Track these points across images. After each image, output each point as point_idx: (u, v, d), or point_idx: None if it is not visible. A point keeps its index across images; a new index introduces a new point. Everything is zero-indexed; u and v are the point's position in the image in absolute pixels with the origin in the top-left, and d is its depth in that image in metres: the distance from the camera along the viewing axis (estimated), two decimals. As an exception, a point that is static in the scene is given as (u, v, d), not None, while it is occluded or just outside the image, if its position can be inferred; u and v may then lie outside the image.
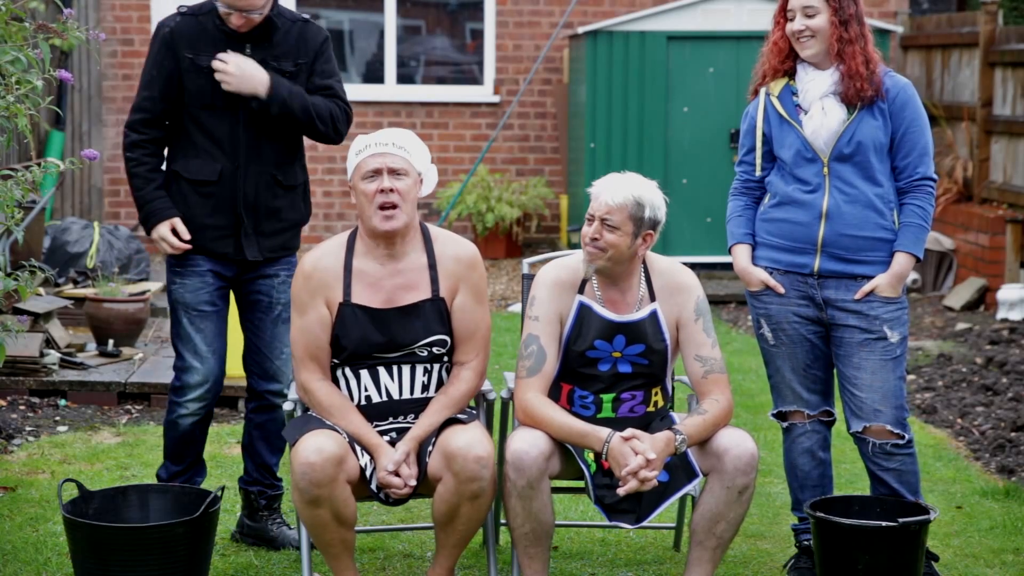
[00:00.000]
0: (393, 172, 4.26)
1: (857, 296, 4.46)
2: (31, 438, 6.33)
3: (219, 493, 4.27)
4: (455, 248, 4.38)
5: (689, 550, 4.27)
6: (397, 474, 4.16)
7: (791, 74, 4.55)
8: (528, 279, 4.63)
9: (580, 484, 4.30)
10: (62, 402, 6.87)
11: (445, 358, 4.36)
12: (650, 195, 4.26)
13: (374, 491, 4.20)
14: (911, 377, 7.75)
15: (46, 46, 4.44)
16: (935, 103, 10.93)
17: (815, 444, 4.61)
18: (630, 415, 4.30)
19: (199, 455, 4.90)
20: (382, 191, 4.24)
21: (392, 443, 4.23)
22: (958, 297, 9.80)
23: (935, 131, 10.18)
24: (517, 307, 9.73)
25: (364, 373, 4.30)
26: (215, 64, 4.60)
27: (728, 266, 9.99)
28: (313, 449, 4.04)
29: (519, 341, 4.38)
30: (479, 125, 12.05)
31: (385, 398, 4.30)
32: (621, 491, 4.08)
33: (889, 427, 4.47)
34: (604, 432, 4.13)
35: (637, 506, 4.15)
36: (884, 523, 4.25)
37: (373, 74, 12.24)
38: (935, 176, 4.52)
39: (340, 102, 4.76)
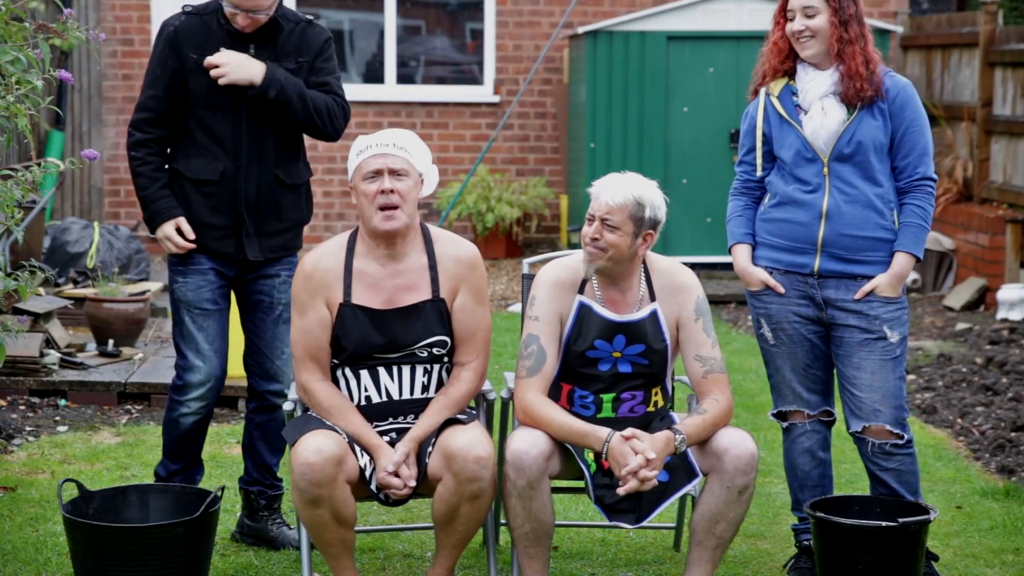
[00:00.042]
0: (394, 173, 4.26)
1: (857, 296, 4.46)
2: (31, 438, 6.33)
3: (219, 493, 4.27)
4: (455, 249, 4.38)
5: (689, 550, 4.27)
6: (397, 475, 4.16)
7: (791, 74, 4.55)
8: (528, 279, 4.63)
9: (580, 484, 4.31)
10: (62, 402, 6.87)
11: (445, 359, 4.35)
12: (650, 195, 4.26)
13: (374, 491, 4.20)
14: (911, 377, 7.75)
15: (46, 46, 4.44)
16: (935, 103, 10.94)
17: (815, 444, 4.61)
18: (630, 415, 4.30)
19: (198, 454, 4.91)
20: (383, 192, 4.24)
21: (392, 443, 4.23)
22: (958, 297, 9.80)
23: (935, 131, 10.18)
24: (517, 307, 9.73)
25: (364, 373, 4.30)
26: (208, 61, 4.59)
27: (728, 266, 9.99)
28: (312, 449, 4.04)
29: (519, 341, 4.38)
30: (479, 125, 12.05)
31: (385, 398, 4.30)
32: (621, 491, 4.08)
33: (888, 427, 4.47)
34: (604, 432, 4.13)
35: (637, 506, 4.15)
36: (884, 523, 4.25)
37: (373, 74, 12.24)
38: (935, 176, 4.52)
39: (337, 98, 4.76)
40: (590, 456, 4.18)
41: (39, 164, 4.61)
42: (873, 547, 4.24)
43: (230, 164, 4.69)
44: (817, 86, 4.47)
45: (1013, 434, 6.39)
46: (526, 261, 4.81)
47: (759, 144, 4.58)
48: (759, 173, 4.61)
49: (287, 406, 4.40)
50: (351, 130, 11.58)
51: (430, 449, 4.18)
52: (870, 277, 4.47)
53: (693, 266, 4.78)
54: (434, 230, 4.41)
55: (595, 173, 9.09)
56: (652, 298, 4.33)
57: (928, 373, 7.80)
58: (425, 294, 4.31)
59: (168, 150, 4.77)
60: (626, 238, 4.23)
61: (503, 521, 4.39)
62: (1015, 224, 9.48)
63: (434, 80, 12.29)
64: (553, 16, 11.96)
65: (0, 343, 4.60)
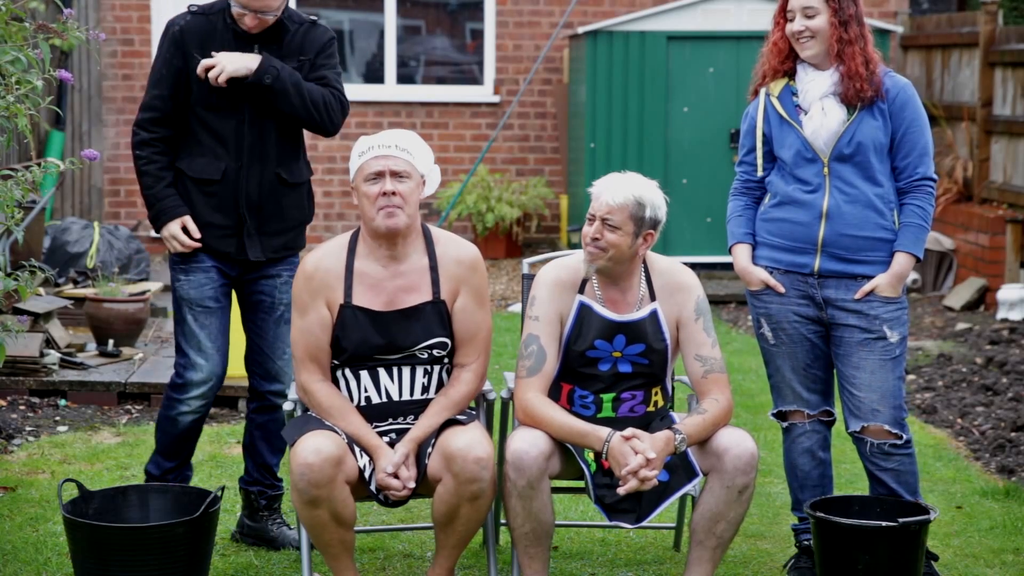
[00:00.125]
0: (396, 175, 4.26)
1: (857, 296, 4.46)
2: (31, 438, 6.33)
3: (219, 493, 4.27)
4: (456, 250, 4.38)
5: (689, 550, 4.27)
6: (396, 476, 4.16)
7: (791, 74, 4.55)
8: (528, 279, 4.63)
9: (580, 484, 4.31)
10: (62, 402, 6.87)
11: (445, 360, 4.35)
12: (651, 195, 4.26)
13: (373, 492, 4.20)
14: (911, 377, 7.75)
15: (46, 46, 4.44)
16: (935, 103, 10.94)
17: (815, 444, 4.61)
18: (630, 415, 4.30)
19: (192, 452, 4.91)
20: (384, 194, 4.23)
21: (391, 444, 4.23)
22: (958, 297, 9.80)
23: (935, 131, 10.18)
24: (517, 307, 9.73)
25: (364, 374, 4.30)
26: (201, 66, 4.58)
27: (728, 266, 9.99)
28: (312, 450, 4.04)
29: (519, 341, 4.38)
30: (479, 125, 12.05)
31: (385, 399, 4.30)
32: (621, 491, 4.08)
33: (887, 427, 4.47)
34: (604, 432, 4.13)
35: (637, 506, 4.15)
36: (884, 523, 4.25)
37: (373, 74, 12.24)
38: (935, 176, 4.52)
39: (335, 91, 4.75)
40: (590, 456, 4.18)
41: (39, 164, 4.61)
42: (873, 547, 4.24)
43: (232, 163, 4.69)
44: (817, 86, 4.48)
45: (1013, 434, 6.39)
46: (526, 261, 4.81)
47: (759, 144, 4.58)
48: (759, 173, 4.61)
49: (287, 406, 4.40)
50: (351, 130, 11.60)
51: (430, 450, 4.17)
52: (870, 277, 4.47)
53: (693, 266, 4.78)
54: (435, 231, 4.41)
55: (595, 173, 9.08)
56: (652, 298, 4.33)
57: (928, 373, 7.80)
58: (426, 295, 4.31)
59: (172, 149, 4.77)
60: (627, 238, 4.23)
61: (503, 521, 4.39)
62: (1015, 224, 9.48)
63: (434, 80, 12.29)
64: (553, 16, 11.96)
65: (0, 343, 4.60)
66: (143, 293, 7.94)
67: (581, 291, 4.32)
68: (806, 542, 4.65)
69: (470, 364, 4.34)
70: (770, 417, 4.71)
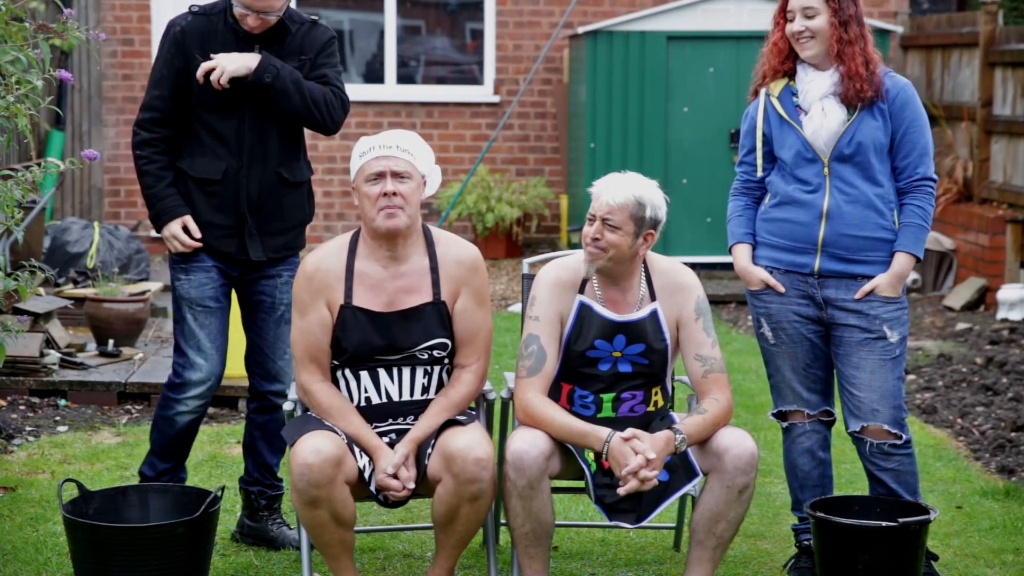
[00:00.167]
0: (396, 175, 4.25)
1: (857, 296, 4.46)
2: (31, 438, 6.33)
3: (219, 493, 4.27)
4: (457, 251, 4.37)
5: (689, 550, 4.27)
6: (396, 477, 4.15)
7: (791, 75, 4.55)
8: (528, 279, 4.63)
9: (580, 484, 4.31)
10: (62, 402, 6.87)
11: (446, 360, 4.35)
12: (651, 195, 4.26)
13: (373, 492, 4.20)
14: (911, 377, 7.75)
15: (46, 46, 4.44)
16: (935, 103, 10.94)
17: (815, 444, 4.61)
18: (630, 415, 4.30)
19: (187, 453, 4.90)
20: (385, 195, 4.23)
21: (391, 445, 4.23)
22: (958, 297, 9.80)
23: (935, 131, 10.18)
24: (517, 307, 9.73)
25: (364, 375, 4.30)
26: (203, 68, 4.58)
27: (728, 266, 9.99)
28: (311, 450, 4.04)
29: (519, 341, 4.38)
30: (479, 125, 12.05)
31: (385, 400, 4.30)
32: (621, 491, 4.08)
33: (886, 427, 4.47)
34: (604, 432, 4.13)
35: (637, 505, 4.15)
36: (884, 523, 4.25)
37: (373, 74, 12.24)
38: (935, 176, 4.52)
39: (336, 89, 4.75)
40: (591, 456, 4.18)
41: (39, 164, 4.61)
42: (873, 547, 4.24)
43: (233, 163, 4.69)
44: (817, 87, 4.48)
45: (1013, 434, 6.39)
46: (526, 261, 4.81)
47: (759, 145, 4.59)
48: (759, 174, 4.61)
49: (287, 406, 4.40)
50: (351, 130, 11.60)
51: (429, 451, 4.17)
52: (870, 277, 4.47)
53: (693, 266, 4.78)
54: (436, 232, 4.41)
55: (595, 173, 9.09)
56: (652, 298, 4.33)
57: (928, 373, 7.80)
58: (426, 296, 4.31)
59: (173, 149, 4.77)
60: (627, 238, 4.23)
61: (503, 521, 4.39)
62: (1015, 224, 9.48)
63: (434, 80, 12.29)
64: (553, 16, 11.96)
65: (0, 343, 4.60)
66: (143, 293, 7.94)
67: (581, 291, 4.32)
68: (806, 542, 4.65)
69: (470, 365, 4.34)
70: (770, 417, 4.71)
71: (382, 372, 4.29)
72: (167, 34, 4.71)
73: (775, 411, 4.66)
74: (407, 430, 4.26)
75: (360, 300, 4.28)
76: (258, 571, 4.71)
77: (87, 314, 7.63)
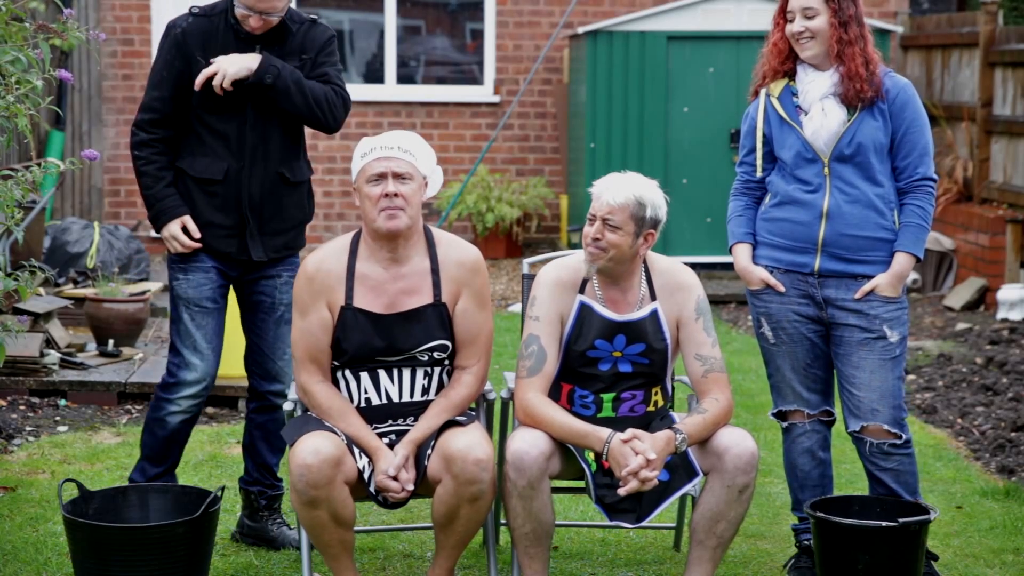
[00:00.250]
0: (398, 176, 4.25)
1: (857, 295, 4.46)
2: (31, 438, 6.33)
3: (219, 493, 4.27)
4: (458, 252, 4.37)
5: (689, 550, 4.27)
6: (395, 478, 4.15)
7: (791, 75, 4.55)
8: (528, 279, 4.63)
9: (580, 484, 4.31)
10: (62, 402, 6.87)
11: (446, 362, 4.35)
12: (651, 194, 4.26)
13: (372, 493, 4.20)
14: (911, 377, 7.75)
15: (46, 46, 4.44)
16: (935, 103, 10.94)
17: (815, 444, 4.61)
18: (630, 415, 4.31)
19: (179, 458, 4.88)
20: (386, 195, 4.23)
21: (391, 446, 4.23)
22: (958, 297, 9.80)
23: (935, 131, 10.18)
24: (517, 307, 9.73)
25: (364, 375, 4.30)
26: (204, 74, 4.57)
27: (728, 266, 9.99)
28: (310, 451, 4.04)
29: (519, 341, 4.38)
30: (479, 125, 12.05)
31: (385, 401, 4.30)
32: (622, 491, 4.08)
33: (886, 427, 4.47)
34: (604, 432, 4.13)
35: (637, 505, 4.15)
36: (884, 523, 4.25)
37: (373, 74, 12.24)
38: (935, 176, 4.52)
39: (336, 87, 4.75)
40: (591, 456, 4.18)
41: (39, 164, 4.61)
42: (873, 547, 4.24)
43: (234, 163, 4.69)
44: (817, 87, 4.48)
45: (1013, 434, 6.39)
46: (526, 261, 4.81)
47: (759, 145, 4.59)
48: (759, 174, 4.61)
49: (287, 406, 4.40)
50: (351, 130, 11.60)
51: (429, 451, 4.17)
52: (870, 277, 4.47)
53: (693, 266, 4.78)
54: (437, 233, 4.40)
55: (595, 173, 9.09)
56: (653, 297, 4.33)
57: (928, 373, 7.80)
58: (427, 298, 4.31)
59: (172, 149, 4.77)
60: (627, 238, 4.23)
61: (503, 521, 4.39)
62: (1015, 224, 9.48)
63: (434, 80, 12.29)
64: (553, 16, 11.96)
65: (0, 343, 4.60)
66: (143, 293, 7.95)
67: (581, 291, 4.32)
68: (806, 542, 4.65)
69: (471, 367, 4.34)
70: (770, 417, 4.71)
71: (382, 373, 4.29)
72: (167, 35, 4.70)
73: (775, 411, 4.67)
74: (407, 431, 4.26)
75: (361, 301, 4.28)
76: (258, 571, 4.71)
77: (87, 314, 7.64)
